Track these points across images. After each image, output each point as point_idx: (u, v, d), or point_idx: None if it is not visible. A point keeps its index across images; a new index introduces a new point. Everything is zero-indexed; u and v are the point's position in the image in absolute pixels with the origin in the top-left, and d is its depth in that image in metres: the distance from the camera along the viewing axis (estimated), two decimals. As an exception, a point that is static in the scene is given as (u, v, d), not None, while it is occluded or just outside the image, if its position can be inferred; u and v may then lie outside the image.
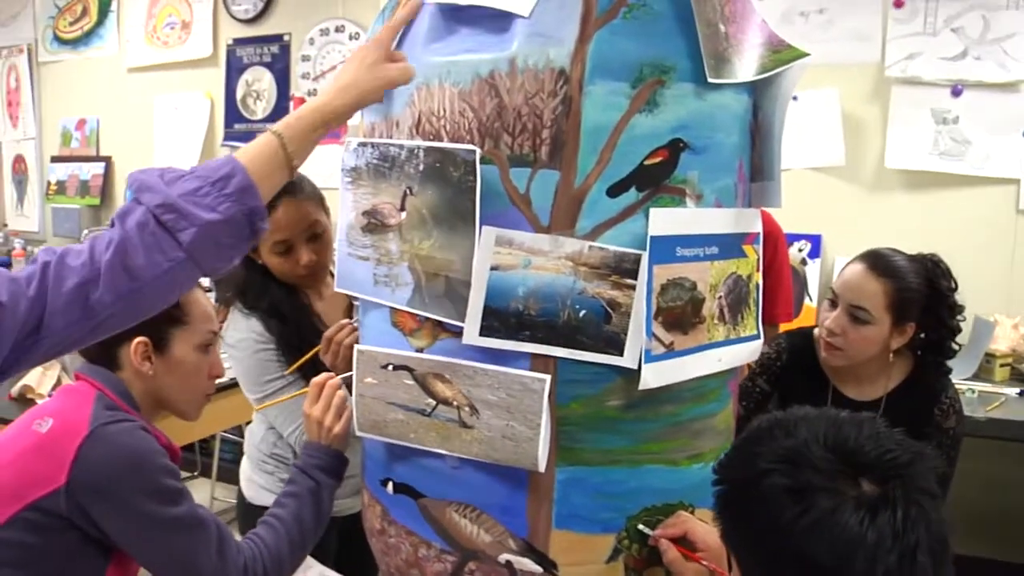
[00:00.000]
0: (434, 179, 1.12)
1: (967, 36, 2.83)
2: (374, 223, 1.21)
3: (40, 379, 2.45)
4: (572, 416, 1.12)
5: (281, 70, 4.05)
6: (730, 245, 1.19)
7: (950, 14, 2.85)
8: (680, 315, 1.13)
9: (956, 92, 2.87)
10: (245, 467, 1.87)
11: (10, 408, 2.33)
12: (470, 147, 1.08)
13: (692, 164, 1.10)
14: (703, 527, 1.14)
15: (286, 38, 4.02)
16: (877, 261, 1.71)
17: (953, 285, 1.72)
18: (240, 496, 1.88)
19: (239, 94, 4.18)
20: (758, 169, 1.25)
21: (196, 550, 1.22)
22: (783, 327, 2.39)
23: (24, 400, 2.38)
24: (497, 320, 1.10)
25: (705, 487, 0.98)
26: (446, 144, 1.11)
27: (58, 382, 2.47)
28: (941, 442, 1.71)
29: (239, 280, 1.69)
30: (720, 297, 1.17)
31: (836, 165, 3.00)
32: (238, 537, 1.32)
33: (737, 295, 1.21)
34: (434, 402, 1.17)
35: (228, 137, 4.23)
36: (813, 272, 3.09)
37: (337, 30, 3.84)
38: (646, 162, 1.08)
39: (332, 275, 1.66)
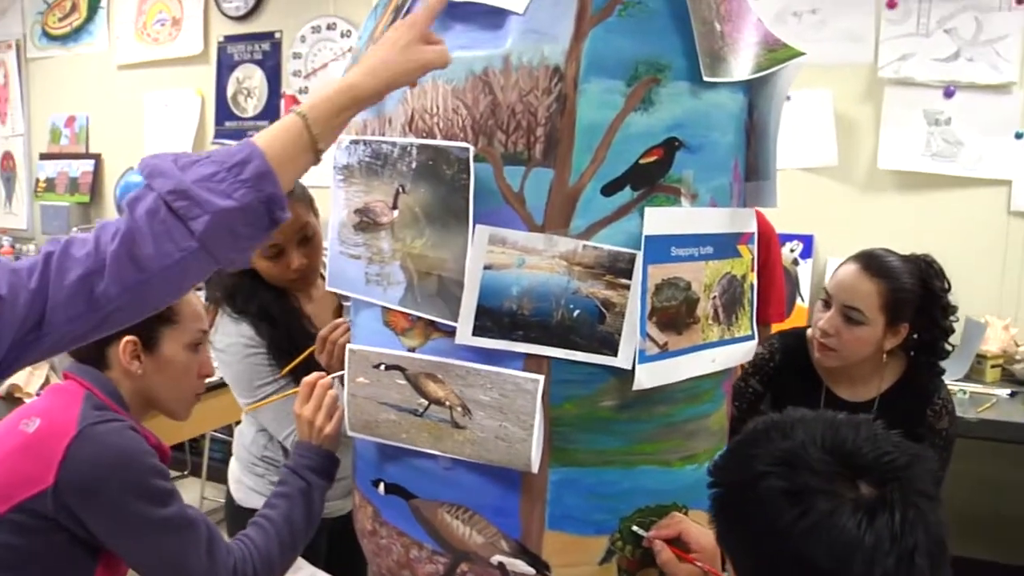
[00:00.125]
0: (427, 177, 1.11)
1: (960, 37, 2.84)
2: (366, 221, 1.20)
3: (28, 378, 2.43)
4: (565, 417, 1.11)
5: (272, 67, 4.04)
6: (725, 245, 1.18)
7: (943, 15, 2.86)
8: (674, 315, 1.12)
9: (948, 93, 2.88)
10: (234, 468, 1.85)
11: (-3, 407, 2.31)
12: (463, 145, 1.07)
13: (687, 163, 1.10)
14: (697, 528, 1.14)
15: (277, 35, 4.01)
16: (871, 262, 1.70)
17: (946, 286, 1.73)
18: (228, 498, 1.86)
19: (230, 91, 4.17)
20: (753, 168, 1.24)
21: (186, 551, 1.21)
22: (775, 327, 2.38)
23: (11, 399, 2.36)
24: (490, 320, 1.09)
25: (699, 488, 0.97)
26: (439, 142, 1.10)
27: (46, 381, 2.45)
28: (934, 443, 1.71)
29: (227, 284, 1.68)
30: (715, 297, 1.17)
31: (828, 165, 3.00)
32: (227, 539, 1.31)
33: (732, 295, 1.20)
34: (426, 402, 1.16)
35: (219, 135, 4.22)
36: (805, 272, 3.09)
37: (328, 28, 3.83)
38: (641, 161, 1.07)
39: (323, 277, 1.64)
